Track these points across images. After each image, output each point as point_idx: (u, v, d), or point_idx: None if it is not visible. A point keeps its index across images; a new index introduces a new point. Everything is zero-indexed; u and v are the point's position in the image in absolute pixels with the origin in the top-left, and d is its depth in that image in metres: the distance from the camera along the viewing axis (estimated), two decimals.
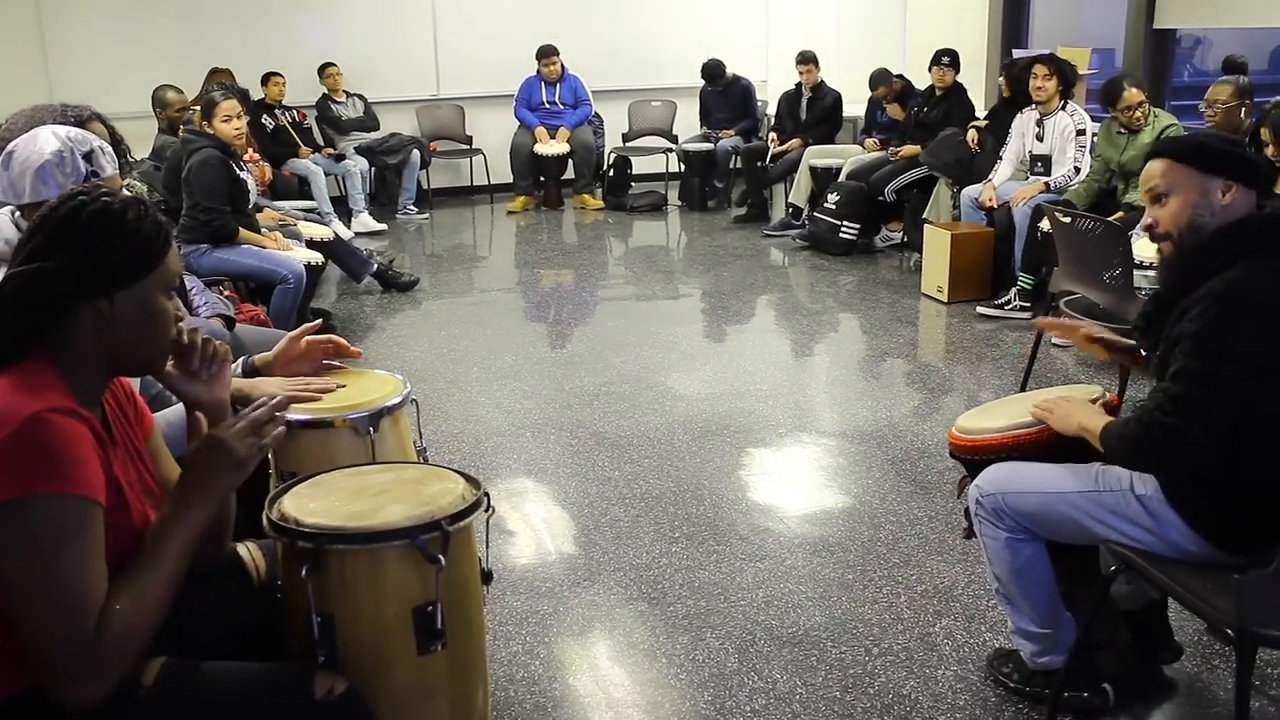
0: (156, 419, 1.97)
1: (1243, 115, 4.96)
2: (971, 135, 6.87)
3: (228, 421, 1.77)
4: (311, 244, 5.80)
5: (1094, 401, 2.43)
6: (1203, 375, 2.07)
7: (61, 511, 1.52)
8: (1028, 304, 5.85)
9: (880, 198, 7.41)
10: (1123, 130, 5.54)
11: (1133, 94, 5.45)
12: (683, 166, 9.45)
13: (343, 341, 2.59)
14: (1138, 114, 5.45)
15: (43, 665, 1.53)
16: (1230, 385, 2.07)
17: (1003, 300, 5.96)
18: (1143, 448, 2.16)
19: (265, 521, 1.85)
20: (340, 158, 8.81)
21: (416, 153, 9.16)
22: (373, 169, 9.18)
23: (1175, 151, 2.28)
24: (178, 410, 2.19)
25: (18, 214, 2.72)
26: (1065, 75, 6.04)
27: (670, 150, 9.70)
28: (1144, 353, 2.41)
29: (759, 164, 8.82)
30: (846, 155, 8.05)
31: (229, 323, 3.66)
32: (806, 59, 8.46)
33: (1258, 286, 2.09)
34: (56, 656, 1.52)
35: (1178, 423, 2.09)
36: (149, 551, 1.64)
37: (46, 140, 2.66)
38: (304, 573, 1.77)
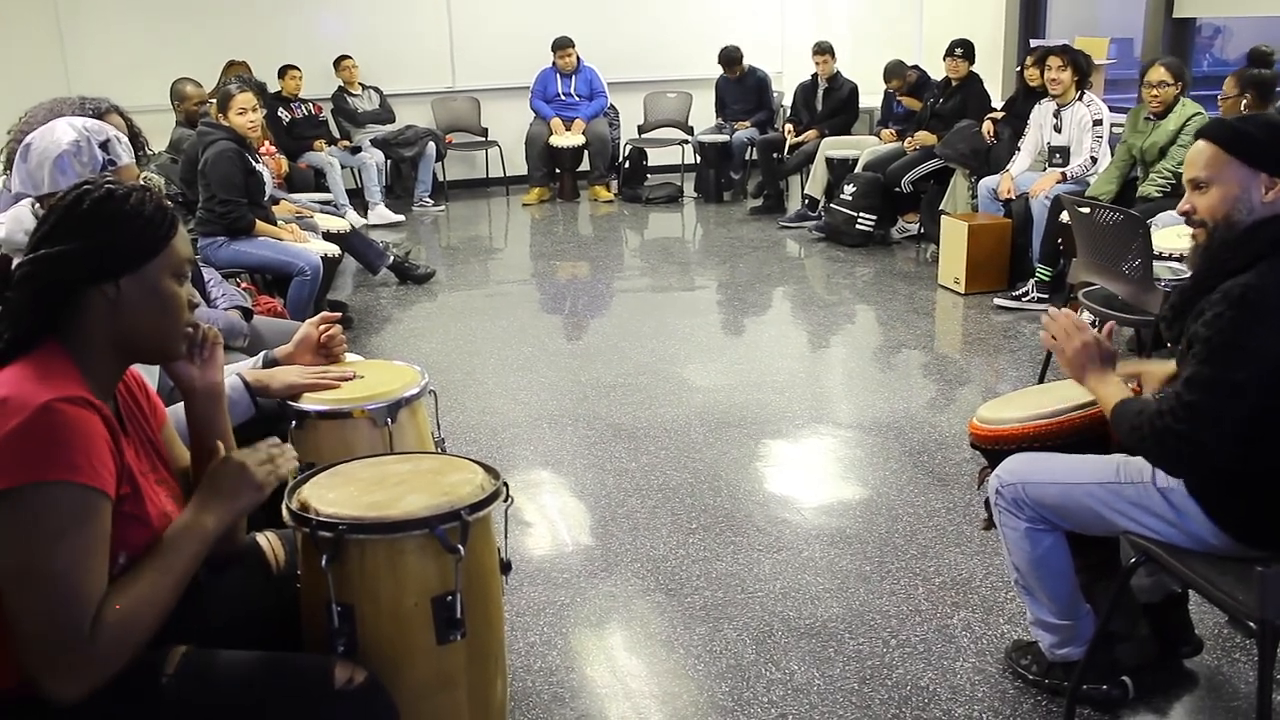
0: (169, 411, 1.98)
1: (1243, 108, 4.91)
2: (987, 126, 6.83)
3: (250, 449, 1.82)
4: (328, 236, 5.81)
5: None
6: (1215, 381, 2.04)
7: (65, 500, 1.50)
8: (1045, 295, 5.83)
9: (897, 189, 7.38)
10: (1150, 116, 5.48)
11: (1156, 71, 5.38)
12: (698, 158, 9.43)
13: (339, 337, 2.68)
14: (1156, 92, 5.37)
15: (29, 655, 1.50)
16: (1242, 389, 2.03)
17: (1020, 292, 5.93)
18: (1158, 454, 2.13)
19: (285, 511, 1.85)
20: (356, 150, 8.83)
21: (432, 145, 9.17)
22: (388, 161, 9.19)
23: (1224, 140, 2.17)
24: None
25: (37, 205, 2.74)
26: (1080, 66, 6.00)
27: (686, 142, 9.67)
28: (1169, 345, 2.37)
29: (775, 155, 8.80)
30: (863, 146, 8.02)
31: (246, 315, 3.66)
32: (822, 49, 8.43)
33: (1274, 289, 2.05)
34: (44, 647, 1.49)
35: (1191, 432, 2.06)
36: (157, 556, 1.64)
37: (64, 131, 2.67)
38: (324, 563, 1.77)
